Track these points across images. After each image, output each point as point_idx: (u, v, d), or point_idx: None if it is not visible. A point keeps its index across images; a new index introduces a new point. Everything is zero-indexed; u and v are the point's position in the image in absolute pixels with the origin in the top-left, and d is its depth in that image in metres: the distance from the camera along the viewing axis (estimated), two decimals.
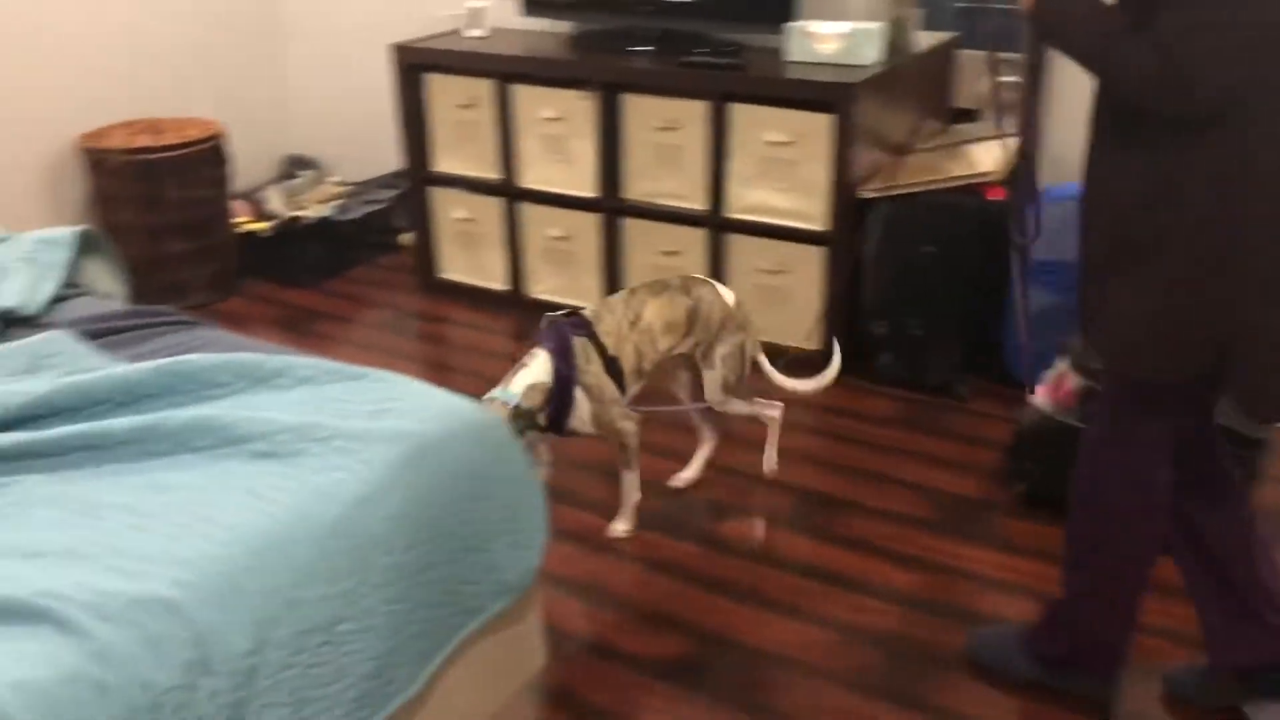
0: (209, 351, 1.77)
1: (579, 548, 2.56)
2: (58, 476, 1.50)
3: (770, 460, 2.83)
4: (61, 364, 1.76)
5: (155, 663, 1.21)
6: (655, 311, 2.49)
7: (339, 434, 1.51)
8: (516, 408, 2.22)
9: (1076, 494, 1.98)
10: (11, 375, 1.71)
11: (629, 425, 2.44)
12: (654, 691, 2.14)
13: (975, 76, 3.55)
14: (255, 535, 1.35)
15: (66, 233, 2.24)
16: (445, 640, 1.59)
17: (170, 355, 1.75)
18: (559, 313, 2.41)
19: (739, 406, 2.67)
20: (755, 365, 2.69)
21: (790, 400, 2.83)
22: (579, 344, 2.34)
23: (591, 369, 2.34)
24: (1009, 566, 2.46)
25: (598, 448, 2.94)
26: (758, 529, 2.64)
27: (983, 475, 2.82)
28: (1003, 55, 2.07)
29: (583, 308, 2.48)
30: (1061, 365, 2.60)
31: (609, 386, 2.38)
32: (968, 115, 3.63)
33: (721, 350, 2.58)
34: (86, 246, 2.31)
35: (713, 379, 2.61)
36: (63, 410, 1.62)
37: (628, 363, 2.42)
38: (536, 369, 2.30)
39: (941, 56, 3.54)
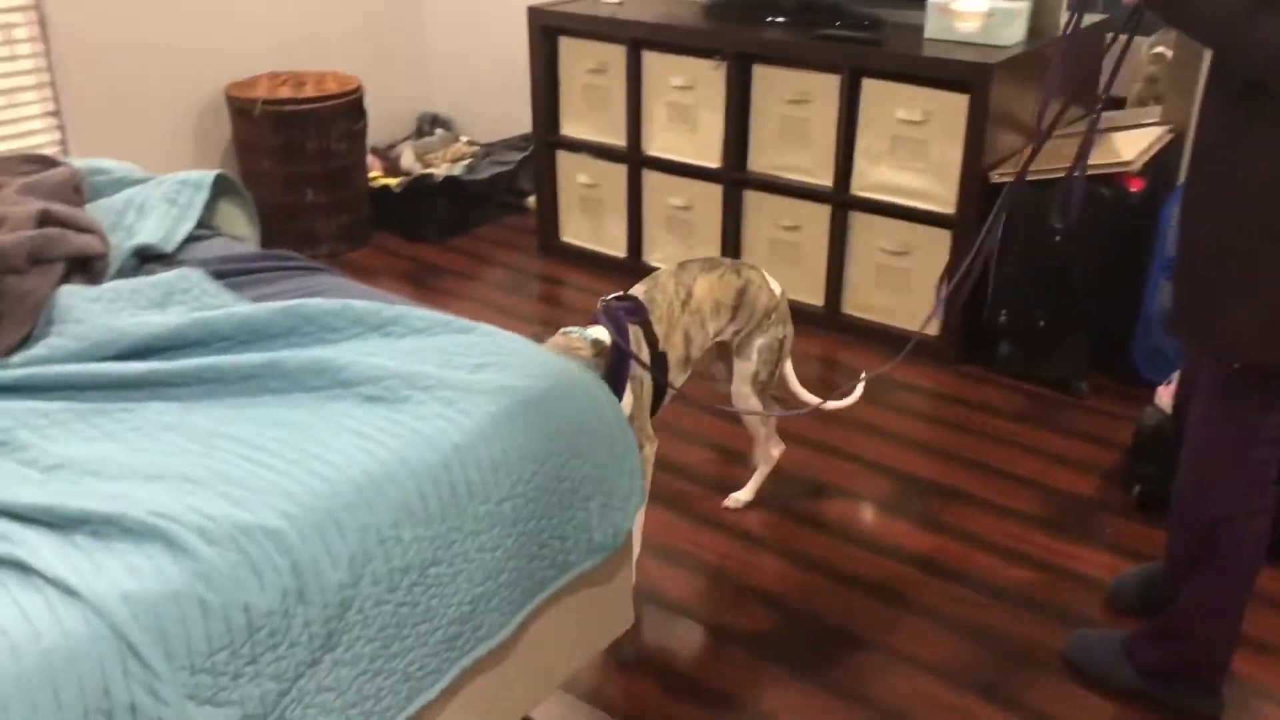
0: (329, 297, 1.83)
1: (679, 516, 2.57)
2: (180, 406, 1.57)
3: (740, 498, 2.61)
4: (191, 300, 1.83)
5: (256, 588, 1.26)
6: (706, 289, 2.32)
7: (443, 384, 1.54)
8: (598, 341, 2.08)
9: (1185, 499, 1.90)
10: (145, 308, 1.79)
11: (648, 448, 2.22)
12: (740, 663, 2.14)
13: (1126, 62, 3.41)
14: (358, 474, 1.39)
15: (204, 176, 2.33)
16: (534, 592, 1.62)
17: (293, 298, 1.81)
18: (611, 296, 2.25)
19: (755, 414, 2.49)
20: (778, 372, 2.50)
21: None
22: (633, 331, 2.18)
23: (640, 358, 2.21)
24: (1118, 569, 2.37)
25: (709, 422, 2.94)
26: (861, 512, 2.60)
27: (1099, 474, 2.72)
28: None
29: (638, 288, 2.31)
30: None
31: (647, 385, 2.20)
32: (1114, 102, 3.49)
33: (761, 341, 2.42)
34: (222, 190, 2.40)
35: (745, 371, 2.43)
36: (189, 344, 1.69)
37: (675, 353, 2.25)
38: (599, 331, 2.13)
39: (1089, 40, 3.40)
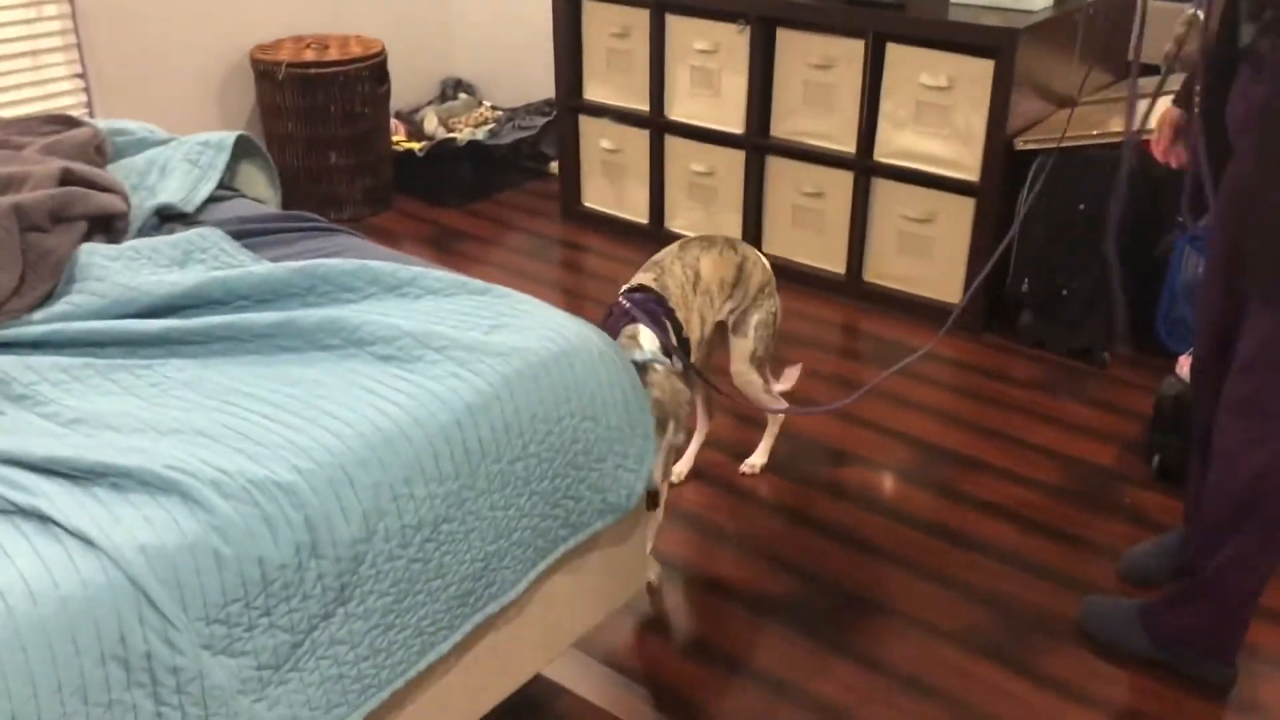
0: (347, 257, 1.84)
1: (697, 481, 2.58)
2: (198, 363, 1.59)
3: (755, 462, 2.61)
4: (210, 259, 1.85)
5: (270, 541, 1.28)
6: (711, 268, 2.30)
7: (456, 344, 1.55)
8: (684, 367, 2.07)
9: (1228, 452, 1.86)
10: (164, 267, 1.81)
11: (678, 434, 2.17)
12: (756, 628, 2.15)
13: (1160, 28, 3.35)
14: (371, 431, 1.41)
15: (225, 137, 2.34)
16: (548, 551, 1.63)
17: (311, 258, 1.82)
18: (625, 289, 2.21)
19: (755, 388, 2.45)
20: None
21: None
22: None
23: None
24: (1135, 539, 2.36)
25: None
26: (880, 480, 2.60)
27: (1119, 445, 2.71)
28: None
29: (646, 277, 2.25)
30: None
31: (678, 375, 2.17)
32: (1147, 70, 3.44)
33: (756, 317, 2.40)
34: (244, 152, 2.41)
35: (743, 349, 2.41)
36: (208, 302, 1.71)
37: (694, 336, 2.24)
38: (646, 335, 2.11)
39: (1121, 5, 3.35)
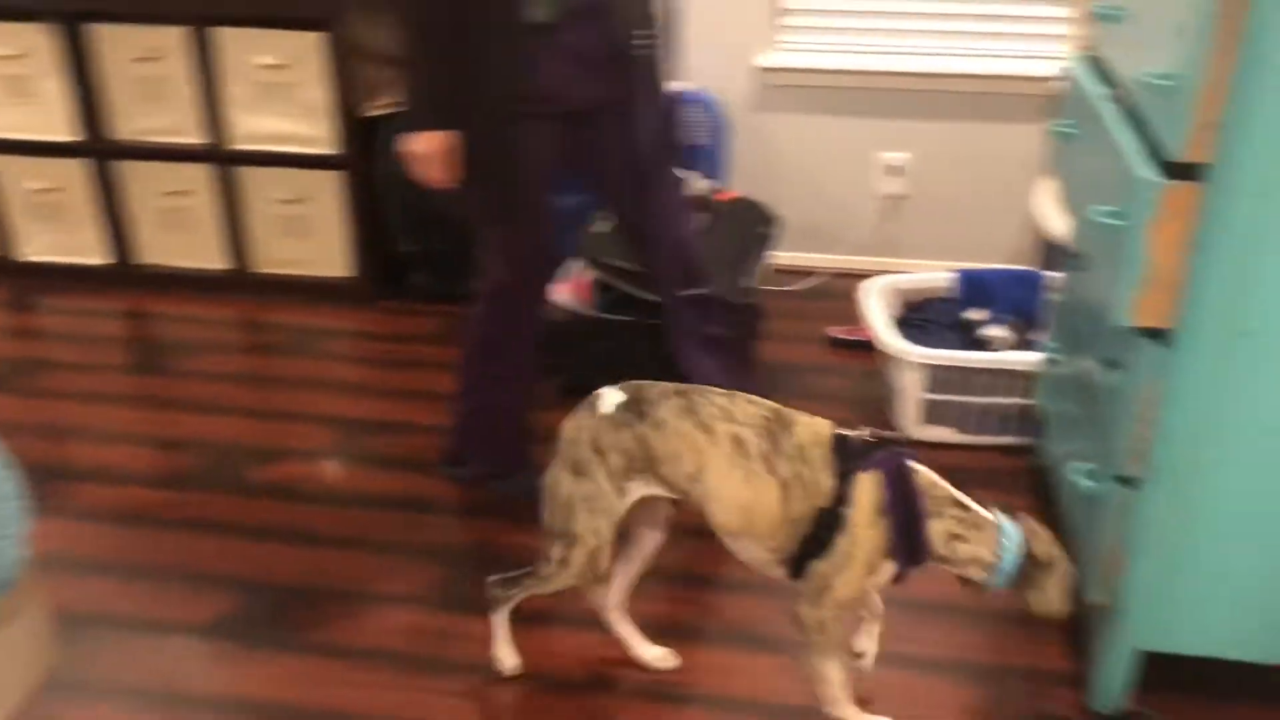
0: None
1: (94, 523, 2.35)
2: None
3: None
4: None
5: None
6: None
7: None
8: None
9: None
10: None
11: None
12: (203, 656, 2.02)
13: None
14: None
15: None
16: None
17: None
18: (872, 447, 1.68)
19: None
20: None
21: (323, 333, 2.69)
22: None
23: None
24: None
25: (142, 417, 2.72)
26: (315, 468, 2.55)
27: None
28: None
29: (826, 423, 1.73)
30: (577, 264, 2.71)
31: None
32: None
33: None
34: None
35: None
36: None
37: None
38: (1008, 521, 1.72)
39: None
